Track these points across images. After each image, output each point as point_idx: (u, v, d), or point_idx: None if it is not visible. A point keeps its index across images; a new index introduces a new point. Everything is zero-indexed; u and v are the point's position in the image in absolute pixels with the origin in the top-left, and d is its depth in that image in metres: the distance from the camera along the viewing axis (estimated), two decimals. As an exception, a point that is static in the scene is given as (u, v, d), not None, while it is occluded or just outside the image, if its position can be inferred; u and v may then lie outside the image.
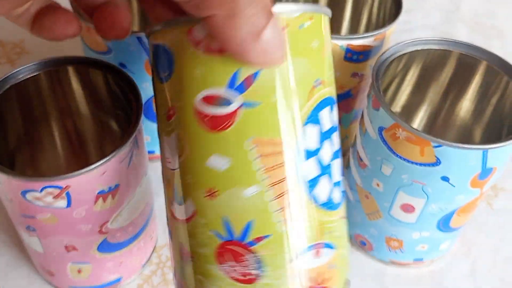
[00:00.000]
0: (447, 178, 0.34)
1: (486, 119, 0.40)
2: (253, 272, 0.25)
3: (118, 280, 0.40)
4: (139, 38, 0.38)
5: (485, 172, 0.34)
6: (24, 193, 0.30)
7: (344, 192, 0.28)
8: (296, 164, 0.25)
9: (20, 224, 0.34)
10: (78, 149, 0.43)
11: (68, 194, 0.30)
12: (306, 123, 0.25)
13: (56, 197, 0.30)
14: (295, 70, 0.25)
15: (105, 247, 0.36)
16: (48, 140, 0.41)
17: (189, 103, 0.25)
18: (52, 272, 0.38)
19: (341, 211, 0.28)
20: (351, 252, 0.44)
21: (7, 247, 0.43)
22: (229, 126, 0.25)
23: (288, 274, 0.25)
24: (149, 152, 0.48)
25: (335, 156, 0.27)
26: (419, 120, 0.44)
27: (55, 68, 0.36)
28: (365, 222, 0.41)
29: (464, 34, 0.67)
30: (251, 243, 0.25)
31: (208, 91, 0.25)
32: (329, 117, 0.26)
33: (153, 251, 0.43)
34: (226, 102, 0.24)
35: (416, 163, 0.34)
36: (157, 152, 0.48)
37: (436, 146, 0.32)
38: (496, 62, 0.37)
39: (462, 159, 0.32)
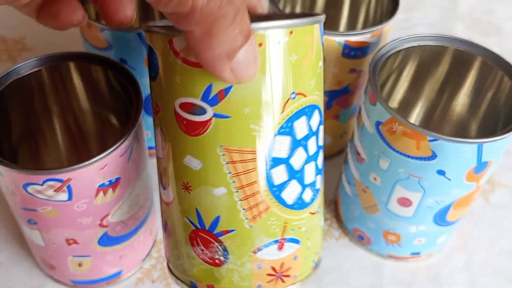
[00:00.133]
0: (443, 171, 0.34)
1: (481, 113, 0.40)
2: (220, 258, 0.29)
3: (119, 273, 0.40)
4: (139, 34, 0.39)
5: (481, 166, 0.34)
6: (25, 186, 0.31)
7: (318, 190, 0.30)
8: (264, 171, 0.27)
9: (22, 218, 0.35)
10: (80, 144, 0.44)
11: (69, 187, 0.31)
12: (277, 134, 0.27)
13: (57, 190, 0.31)
14: (269, 84, 0.26)
15: (106, 240, 0.36)
16: (50, 135, 0.42)
17: (170, 105, 0.27)
18: (53, 266, 0.39)
19: (313, 207, 0.30)
20: (349, 246, 0.45)
21: (8, 242, 0.43)
22: (203, 133, 0.27)
23: (251, 263, 0.29)
24: (150, 148, 0.48)
25: (309, 160, 0.29)
26: (416, 115, 0.45)
27: (56, 63, 0.36)
28: (363, 216, 0.41)
29: (462, 31, 0.68)
30: (219, 234, 0.28)
31: (185, 98, 0.26)
32: (306, 125, 0.28)
33: (153, 245, 0.43)
34: (201, 111, 0.26)
35: (413, 157, 0.34)
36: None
37: (431, 140, 0.32)
38: (491, 58, 0.37)
39: (457, 153, 0.33)
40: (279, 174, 0.28)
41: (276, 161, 0.27)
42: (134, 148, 0.33)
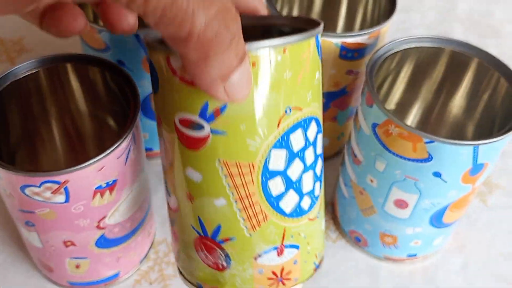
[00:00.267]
0: (439, 173, 0.34)
1: (478, 115, 0.40)
2: (223, 263, 0.30)
3: (116, 275, 0.40)
4: (137, 36, 0.39)
5: (477, 167, 0.34)
6: (23, 188, 0.31)
7: (317, 197, 0.31)
8: (262, 183, 0.28)
9: (19, 220, 0.35)
10: (77, 146, 0.44)
11: (66, 189, 0.31)
12: (273, 147, 0.27)
13: (54, 192, 0.31)
14: (263, 102, 0.26)
15: (103, 242, 0.36)
16: (48, 137, 0.42)
17: (171, 119, 0.28)
18: (51, 268, 0.39)
19: (311, 213, 0.31)
20: (346, 248, 0.45)
21: (6, 244, 0.43)
22: (201, 147, 0.27)
23: (252, 268, 0.30)
24: (147, 149, 0.48)
25: (307, 169, 0.29)
26: (412, 117, 0.45)
27: (54, 65, 0.36)
28: (360, 218, 0.42)
29: (460, 33, 0.68)
30: (221, 242, 0.30)
31: (184, 114, 0.27)
32: (302, 137, 0.28)
33: (150, 247, 0.43)
34: (199, 127, 0.27)
35: (409, 159, 0.34)
36: (155, 149, 0.49)
37: (428, 142, 0.33)
38: (487, 59, 0.38)
39: (453, 154, 0.33)
40: (277, 185, 0.28)
41: (273, 173, 0.28)
42: (132, 149, 0.33)
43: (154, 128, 0.46)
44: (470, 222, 0.47)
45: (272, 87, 0.26)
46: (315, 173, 0.31)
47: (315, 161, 0.30)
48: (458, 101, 0.42)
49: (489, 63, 0.37)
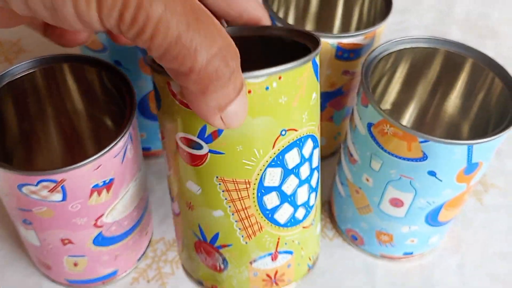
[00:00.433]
0: (434, 172, 0.34)
1: (473, 115, 0.41)
2: (221, 265, 0.33)
3: (114, 273, 0.41)
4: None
5: (471, 166, 0.34)
6: (20, 186, 0.31)
7: (312, 206, 0.33)
8: (257, 198, 0.30)
9: (17, 218, 0.35)
10: (74, 146, 0.44)
11: (63, 188, 0.31)
12: (268, 166, 0.29)
13: (51, 190, 0.31)
14: (259, 125, 0.28)
15: (101, 240, 0.37)
16: (45, 137, 0.42)
17: (173, 136, 0.30)
18: (48, 266, 0.39)
19: (306, 222, 0.33)
20: (343, 246, 0.45)
21: (5, 242, 0.44)
22: (201, 164, 0.29)
23: (247, 271, 0.32)
24: (145, 149, 0.49)
25: (302, 183, 0.31)
26: (408, 117, 0.45)
27: (51, 65, 0.36)
28: (356, 216, 0.42)
29: (458, 34, 0.68)
30: (219, 247, 0.32)
31: (184, 134, 0.29)
32: (297, 155, 0.30)
33: (148, 245, 0.44)
34: (198, 146, 0.28)
35: (404, 158, 0.35)
36: (153, 149, 0.49)
37: (422, 142, 0.33)
38: (482, 59, 0.38)
39: (447, 154, 0.33)
40: (272, 200, 0.30)
41: (268, 189, 0.29)
42: (128, 149, 0.34)
43: (152, 127, 0.47)
44: (466, 222, 0.47)
45: (267, 111, 0.27)
46: (310, 186, 0.32)
47: (311, 175, 0.32)
48: (453, 101, 0.42)
49: (484, 63, 0.38)
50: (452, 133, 0.43)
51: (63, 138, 0.43)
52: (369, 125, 0.36)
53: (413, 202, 0.37)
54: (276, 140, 0.28)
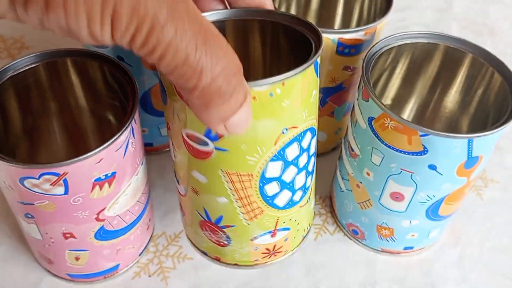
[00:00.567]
0: (435, 166, 0.35)
1: (472, 110, 0.41)
2: (224, 242, 0.36)
3: (116, 267, 0.41)
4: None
5: (471, 160, 0.34)
6: (22, 180, 0.31)
7: (308, 187, 0.35)
8: (259, 187, 0.32)
9: (19, 212, 0.35)
10: (77, 141, 0.44)
11: (65, 181, 0.31)
12: (270, 161, 0.31)
13: (53, 184, 0.31)
14: (262, 127, 0.29)
15: (102, 234, 0.37)
16: (48, 132, 0.42)
17: (179, 131, 0.31)
18: (50, 260, 0.39)
19: (302, 202, 0.35)
20: (344, 240, 0.45)
21: (7, 236, 0.44)
22: (206, 158, 0.31)
23: (249, 246, 0.36)
24: (147, 144, 0.49)
25: (300, 171, 0.33)
26: (408, 112, 0.45)
27: (53, 60, 0.36)
28: (357, 211, 0.42)
29: (456, 31, 0.68)
30: (223, 227, 0.35)
31: (191, 131, 0.30)
32: (297, 148, 0.31)
33: (150, 239, 0.44)
34: (204, 143, 0.30)
35: (405, 152, 0.35)
36: (155, 144, 0.50)
37: (423, 135, 0.33)
38: (481, 54, 0.38)
39: (448, 147, 0.33)
40: (272, 188, 0.32)
41: (269, 180, 0.32)
42: (130, 143, 0.34)
43: (153, 123, 0.47)
44: (466, 216, 0.47)
45: (271, 114, 0.29)
46: (307, 171, 0.34)
47: (308, 162, 0.33)
48: (453, 96, 0.42)
49: (483, 58, 0.38)
50: (452, 128, 0.43)
51: (66, 133, 0.43)
52: (370, 119, 0.36)
53: (414, 196, 0.37)
54: (278, 138, 0.30)
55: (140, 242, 0.42)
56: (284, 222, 0.35)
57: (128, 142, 0.33)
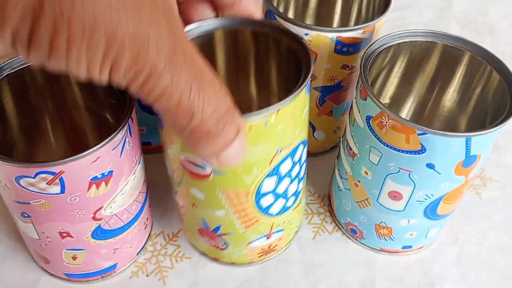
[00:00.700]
0: (433, 165, 0.34)
1: (471, 108, 0.41)
2: (222, 246, 0.38)
3: (113, 267, 0.41)
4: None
5: (469, 159, 0.34)
6: (18, 179, 0.31)
7: (299, 191, 0.37)
8: (255, 201, 0.34)
9: (15, 211, 0.35)
10: (75, 141, 0.44)
11: (61, 180, 0.31)
12: (265, 178, 0.32)
13: (49, 182, 0.31)
14: (258, 151, 0.30)
15: (99, 233, 0.37)
16: (45, 131, 0.42)
17: (176, 154, 0.32)
18: (47, 259, 0.39)
19: (295, 205, 0.37)
20: (342, 239, 0.45)
21: (4, 236, 0.44)
22: (204, 180, 0.32)
23: (246, 249, 0.38)
24: (145, 143, 0.49)
25: (293, 181, 0.35)
26: (406, 111, 0.45)
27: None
28: (355, 210, 0.42)
29: (456, 30, 0.68)
30: (221, 234, 0.37)
31: (188, 156, 0.31)
32: (290, 162, 0.33)
33: (147, 239, 0.44)
34: (202, 167, 0.31)
35: (403, 151, 0.35)
36: (153, 144, 0.49)
37: (420, 134, 0.33)
38: (479, 53, 0.38)
39: (446, 146, 0.33)
40: (267, 200, 0.34)
41: (264, 194, 0.34)
42: (127, 142, 0.34)
43: (152, 122, 0.47)
44: (464, 215, 0.47)
45: (266, 140, 0.30)
46: (299, 179, 0.36)
47: (300, 170, 0.35)
48: (451, 95, 0.42)
49: (482, 57, 0.38)
50: (450, 126, 0.43)
51: (64, 132, 0.43)
52: (368, 118, 0.36)
53: (412, 195, 0.37)
54: (273, 158, 0.31)
55: (137, 241, 0.42)
56: (278, 225, 0.37)
57: (124, 141, 0.33)
